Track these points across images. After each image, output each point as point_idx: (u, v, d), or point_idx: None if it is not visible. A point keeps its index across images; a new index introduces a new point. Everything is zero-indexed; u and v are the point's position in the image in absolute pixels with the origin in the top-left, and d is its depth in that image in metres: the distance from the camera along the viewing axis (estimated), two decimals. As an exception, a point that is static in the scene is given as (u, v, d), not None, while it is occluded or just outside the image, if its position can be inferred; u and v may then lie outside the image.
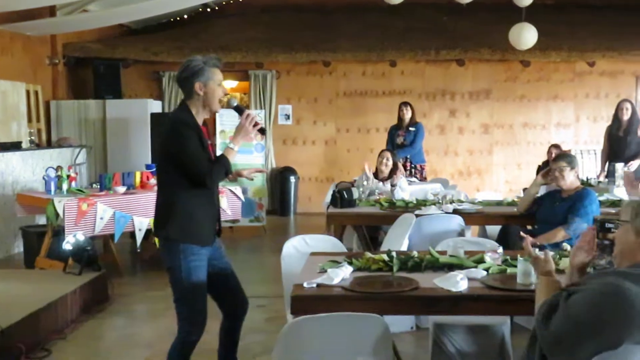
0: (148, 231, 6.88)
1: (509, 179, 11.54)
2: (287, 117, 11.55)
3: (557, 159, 5.40)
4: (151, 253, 7.64)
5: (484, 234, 6.33)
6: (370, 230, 6.51)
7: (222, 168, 3.42)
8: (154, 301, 6.09)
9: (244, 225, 9.45)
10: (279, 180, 11.28)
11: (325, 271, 3.36)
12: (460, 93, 11.49)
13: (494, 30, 10.37)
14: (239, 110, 3.59)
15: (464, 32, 11.11)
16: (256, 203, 9.56)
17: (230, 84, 13.29)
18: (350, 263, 3.57)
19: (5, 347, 4.33)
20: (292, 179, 11.27)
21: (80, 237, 5.97)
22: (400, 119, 9.00)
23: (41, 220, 7.74)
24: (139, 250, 7.64)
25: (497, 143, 11.56)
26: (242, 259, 8.05)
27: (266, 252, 8.51)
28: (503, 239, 5.38)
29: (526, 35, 8.77)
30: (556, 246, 4.50)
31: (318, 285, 3.18)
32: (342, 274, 3.29)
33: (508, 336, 3.80)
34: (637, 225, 2.31)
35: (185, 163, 3.35)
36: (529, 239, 2.98)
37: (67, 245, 5.94)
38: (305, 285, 3.17)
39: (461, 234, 5.47)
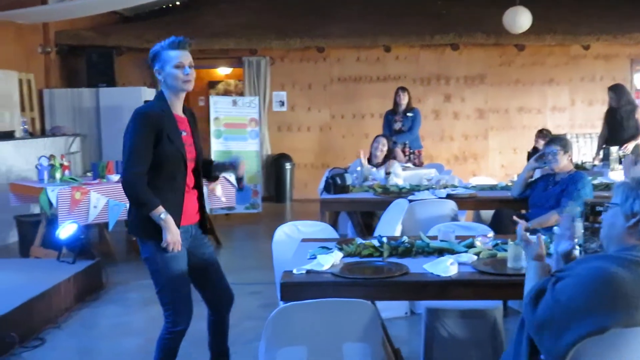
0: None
1: (504, 163, 11.53)
2: (282, 103, 11.50)
3: (550, 143, 5.38)
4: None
5: (477, 219, 6.33)
6: (365, 216, 6.50)
7: (139, 195, 3.21)
8: (148, 289, 6.00)
9: (239, 212, 9.50)
10: (275, 167, 11.26)
11: (316, 257, 3.35)
12: (455, 78, 11.45)
13: (488, 14, 10.34)
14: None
15: (458, 16, 11.08)
16: (251, 190, 9.55)
17: (224, 70, 13.30)
18: (340, 249, 3.56)
19: (-1, 336, 4.33)
20: (288, 165, 11.25)
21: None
22: (397, 104, 8.90)
23: (36, 209, 7.73)
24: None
25: (493, 128, 11.54)
26: (237, 246, 8.07)
27: (261, 239, 8.48)
28: (496, 223, 5.39)
29: (520, 19, 8.77)
30: (549, 230, 4.50)
31: (308, 272, 3.17)
32: (332, 260, 3.28)
33: (500, 320, 3.81)
34: (627, 210, 2.27)
35: (124, 154, 3.25)
36: (523, 223, 2.96)
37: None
38: (294, 271, 3.17)
39: (455, 218, 5.45)
